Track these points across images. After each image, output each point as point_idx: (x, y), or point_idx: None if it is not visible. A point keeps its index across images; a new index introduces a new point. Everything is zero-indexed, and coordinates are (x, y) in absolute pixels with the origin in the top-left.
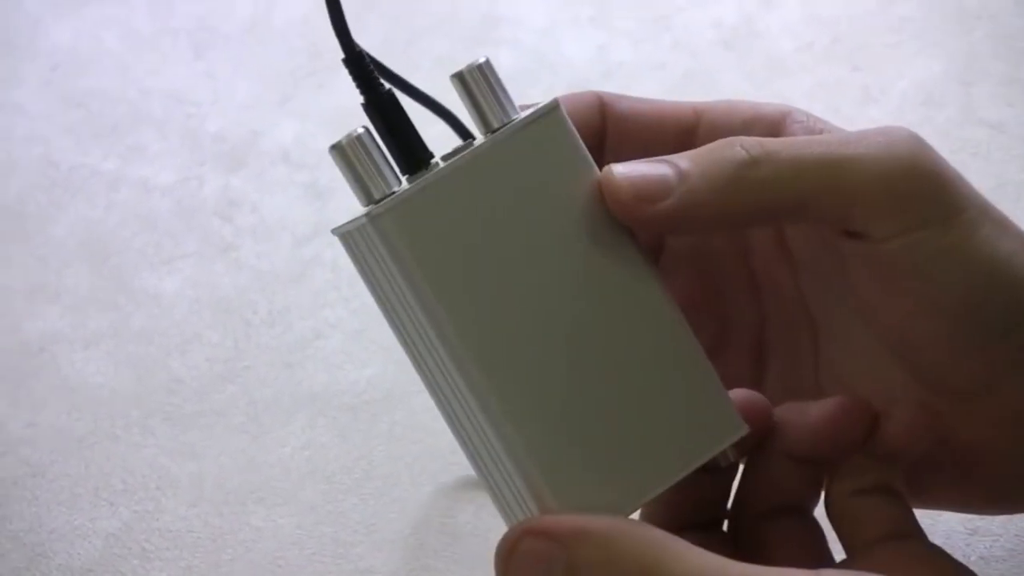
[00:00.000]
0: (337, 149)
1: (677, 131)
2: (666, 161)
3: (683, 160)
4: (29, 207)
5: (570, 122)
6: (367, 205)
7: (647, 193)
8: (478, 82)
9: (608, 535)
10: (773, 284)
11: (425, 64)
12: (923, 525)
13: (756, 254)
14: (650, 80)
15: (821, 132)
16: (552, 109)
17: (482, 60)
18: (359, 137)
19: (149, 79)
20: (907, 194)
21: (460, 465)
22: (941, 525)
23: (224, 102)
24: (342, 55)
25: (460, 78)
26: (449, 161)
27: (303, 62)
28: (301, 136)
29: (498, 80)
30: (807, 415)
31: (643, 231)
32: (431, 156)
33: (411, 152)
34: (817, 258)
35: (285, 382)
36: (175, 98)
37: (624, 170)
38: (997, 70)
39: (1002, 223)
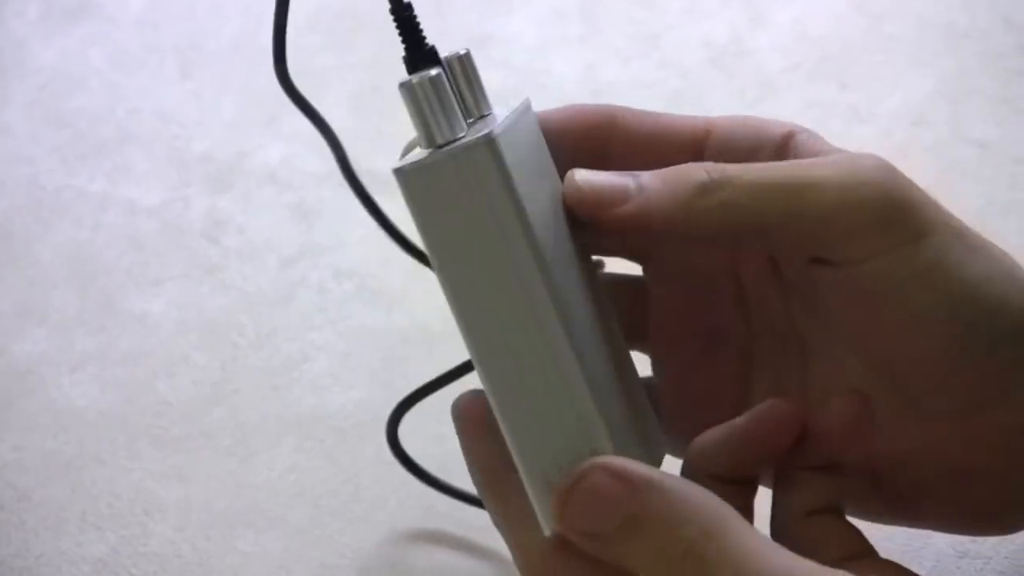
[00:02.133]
0: (406, 87)
1: (683, 145)
2: (631, 175)
3: (646, 175)
4: (16, 228)
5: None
6: (446, 142)
7: (606, 198)
8: (427, 95)
9: (679, 493)
10: (762, 300)
11: None
12: (913, 548)
13: (747, 270)
14: (639, 99)
15: (817, 153)
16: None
17: (433, 73)
18: (432, 79)
19: (136, 99)
20: (871, 218)
21: (446, 476)
22: (930, 548)
23: (210, 122)
24: (389, 7)
25: (406, 87)
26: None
27: None
28: (287, 157)
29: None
30: (734, 426)
31: (603, 230)
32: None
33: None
34: (802, 278)
35: (272, 405)
36: (162, 118)
37: (586, 175)
38: (986, 89)
39: (976, 244)
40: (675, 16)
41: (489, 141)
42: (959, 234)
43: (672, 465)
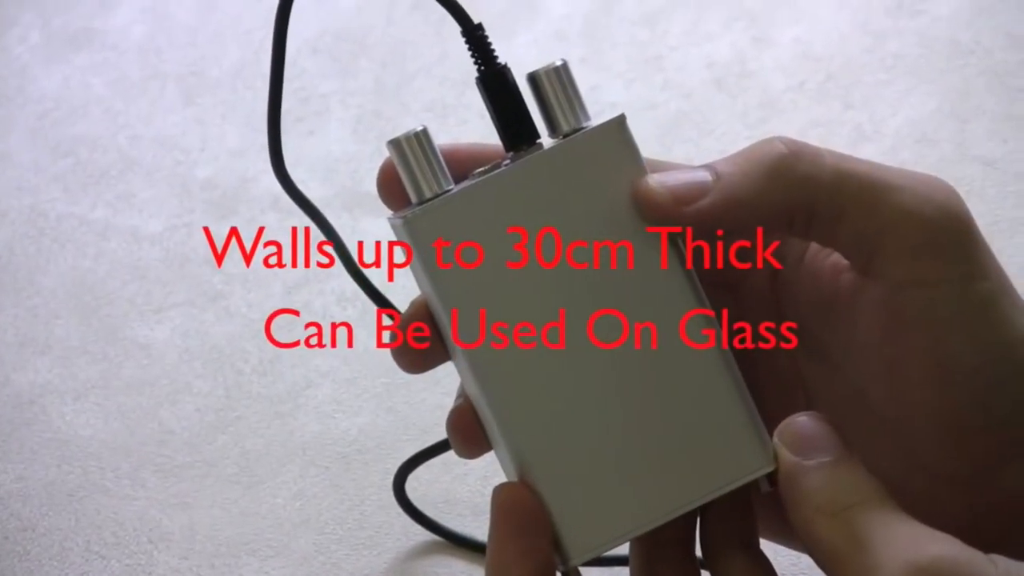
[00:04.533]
0: (394, 144)
1: None
2: (705, 167)
3: (722, 163)
4: (18, 257)
5: (631, 136)
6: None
7: (685, 195)
8: (553, 85)
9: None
10: (768, 351)
11: (415, 107)
12: None
13: (753, 318)
14: (643, 120)
15: None
16: (617, 123)
17: (559, 63)
18: (417, 135)
19: (138, 126)
20: (937, 240)
21: (452, 515)
22: None
23: (213, 149)
24: (460, 28)
25: (534, 79)
26: (485, 175)
27: (292, 108)
28: None
29: (573, 84)
30: None
31: (684, 233)
32: (537, 136)
33: (513, 130)
34: (816, 329)
35: (277, 432)
36: (164, 145)
37: (661, 178)
38: (990, 106)
39: (1019, 303)
40: (678, 37)
41: (406, 222)
42: (1005, 289)
43: None
